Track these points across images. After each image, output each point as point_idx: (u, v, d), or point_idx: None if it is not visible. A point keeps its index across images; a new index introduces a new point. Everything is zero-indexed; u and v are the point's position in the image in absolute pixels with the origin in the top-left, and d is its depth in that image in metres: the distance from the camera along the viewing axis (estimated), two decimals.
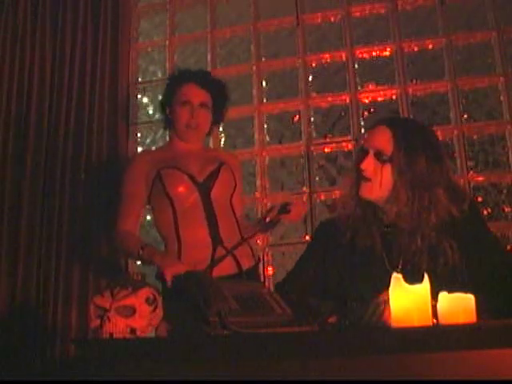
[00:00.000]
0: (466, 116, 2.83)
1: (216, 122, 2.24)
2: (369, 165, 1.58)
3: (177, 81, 2.19)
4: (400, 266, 1.52)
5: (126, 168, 2.15)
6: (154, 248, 2.00)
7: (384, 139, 1.58)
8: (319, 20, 3.10)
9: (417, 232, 1.53)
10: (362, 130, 2.85)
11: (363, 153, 1.61)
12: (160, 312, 1.31)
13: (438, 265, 1.50)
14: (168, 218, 2.05)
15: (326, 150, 2.96)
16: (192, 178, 2.06)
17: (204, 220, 2.03)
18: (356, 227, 1.61)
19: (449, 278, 1.46)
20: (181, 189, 2.04)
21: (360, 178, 1.60)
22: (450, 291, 1.16)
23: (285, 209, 1.94)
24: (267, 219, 2.00)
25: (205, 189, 2.06)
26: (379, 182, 1.57)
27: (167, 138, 3.06)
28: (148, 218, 2.87)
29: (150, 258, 1.92)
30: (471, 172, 2.75)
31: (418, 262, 1.51)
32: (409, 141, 1.57)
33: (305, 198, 2.87)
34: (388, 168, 1.56)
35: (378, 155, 1.58)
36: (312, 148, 2.93)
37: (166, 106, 2.20)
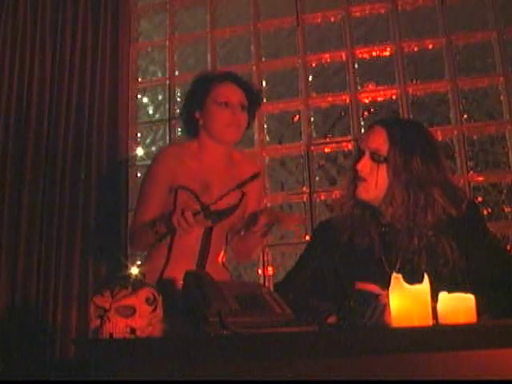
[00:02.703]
0: (465, 116, 2.83)
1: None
2: (364, 165, 1.59)
3: (209, 81, 2.02)
4: (398, 266, 1.52)
5: (152, 164, 2.01)
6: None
7: (379, 140, 1.59)
8: (319, 20, 3.10)
9: (414, 232, 1.54)
10: (362, 130, 2.85)
11: (359, 154, 1.63)
12: (160, 312, 1.31)
13: (437, 265, 1.50)
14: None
15: (326, 150, 2.96)
16: (206, 208, 1.90)
17: (196, 249, 1.95)
18: (354, 227, 1.62)
19: (449, 279, 1.46)
20: None
21: (356, 178, 1.61)
22: (449, 292, 1.16)
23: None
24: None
25: (213, 219, 1.91)
26: (375, 183, 1.57)
27: (167, 138, 3.08)
28: None
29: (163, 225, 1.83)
30: (471, 172, 2.75)
31: (416, 262, 1.51)
32: (404, 141, 1.57)
33: (305, 198, 2.87)
34: (383, 168, 1.57)
35: (374, 156, 1.59)
36: (312, 148, 2.93)
37: (195, 109, 2.01)
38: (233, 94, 1.98)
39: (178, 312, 1.33)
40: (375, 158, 1.58)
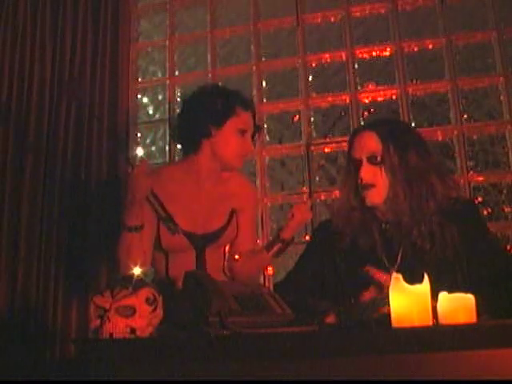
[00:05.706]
0: (465, 116, 2.83)
1: None
2: (367, 172, 1.59)
3: (234, 102, 1.91)
4: (399, 261, 1.53)
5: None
6: None
7: (372, 143, 1.61)
8: (319, 20, 3.10)
9: (415, 222, 1.55)
10: None
11: (356, 162, 1.63)
12: (160, 312, 1.31)
13: (437, 252, 1.51)
14: (161, 267, 1.93)
15: (326, 150, 2.96)
16: (192, 236, 1.89)
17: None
18: (355, 232, 1.62)
19: (449, 278, 1.46)
20: (177, 250, 1.90)
21: (362, 187, 1.60)
22: (449, 291, 1.16)
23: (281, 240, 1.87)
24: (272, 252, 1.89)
25: (202, 243, 1.91)
26: (383, 185, 1.58)
27: (167, 138, 3.08)
28: None
29: None
30: (471, 172, 2.75)
31: (418, 251, 1.52)
32: (396, 138, 1.59)
33: (305, 198, 2.87)
34: (384, 169, 1.58)
35: (371, 160, 1.60)
36: (312, 148, 2.93)
37: (211, 124, 1.88)
38: (250, 124, 1.94)
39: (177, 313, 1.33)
40: (373, 162, 1.60)
